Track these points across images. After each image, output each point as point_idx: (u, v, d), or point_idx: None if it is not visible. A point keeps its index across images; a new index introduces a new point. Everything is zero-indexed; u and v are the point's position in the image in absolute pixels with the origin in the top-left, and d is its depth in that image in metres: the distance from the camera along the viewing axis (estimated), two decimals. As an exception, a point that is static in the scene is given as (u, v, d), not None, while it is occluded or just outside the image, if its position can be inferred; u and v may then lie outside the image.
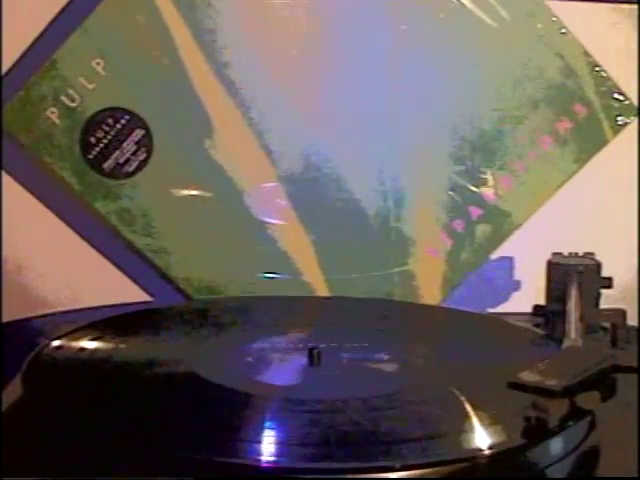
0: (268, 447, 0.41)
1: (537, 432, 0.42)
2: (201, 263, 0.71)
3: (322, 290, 0.73)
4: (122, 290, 0.71)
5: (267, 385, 0.49)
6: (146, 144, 0.70)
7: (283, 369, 0.52)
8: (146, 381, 0.50)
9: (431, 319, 0.64)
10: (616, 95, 0.74)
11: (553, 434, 0.42)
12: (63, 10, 0.69)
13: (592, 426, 0.45)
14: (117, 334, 0.55)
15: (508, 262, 0.75)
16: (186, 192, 0.71)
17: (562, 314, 0.56)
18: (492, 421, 0.44)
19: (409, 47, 0.72)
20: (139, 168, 0.70)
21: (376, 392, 0.48)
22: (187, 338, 0.56)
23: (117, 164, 0.70)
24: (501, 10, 0.72)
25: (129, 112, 0.69)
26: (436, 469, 0.40)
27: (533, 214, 0.75)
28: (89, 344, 0.54)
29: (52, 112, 0.68)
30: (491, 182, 0.74)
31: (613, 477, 0.43)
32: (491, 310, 0.75)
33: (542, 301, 0.62)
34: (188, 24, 0.69)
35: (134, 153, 0.70)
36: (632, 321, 0.60)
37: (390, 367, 0.53)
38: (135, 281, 0.72)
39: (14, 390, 0.47)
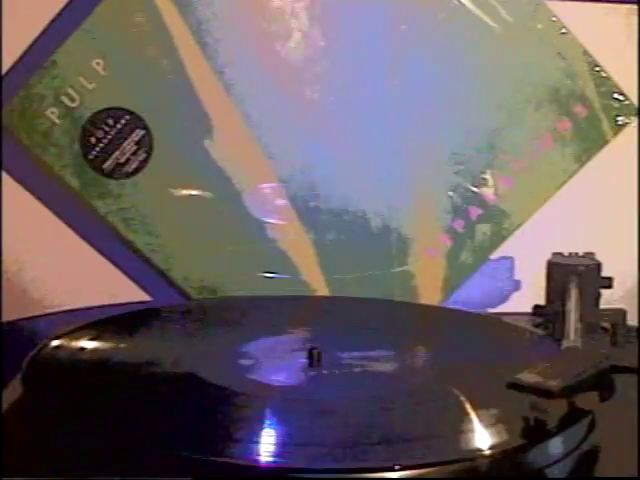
0: (268, 447, 0.41)
1: (536, 432, 0.42)
2: (201, 263, 0.71)
3: (322, 290, 0.73)
4: (122, 290, 0.71)
5: (267, 385, 0.49)
6: (146, 144, 0.70)
7: (283, 369, 0.52)
8: (146, 381, 0.50)
9: (431, 319, 0.64)
10: (616, 95, 0.74)
11: (553, 434, 0.42)
12: (63, 10, 0.69)
13: (592, 426, 0.45)
14: (117, 334, 0.55)
15: (508, 262, 0.75)
16: (186, 192, 0.71)
17: (562, 314, 0.56)
18: (492, 421, 0.44)
19: (409, 47, 0.72)
20: (139, 168, 0.70)
21: (376, 392, 0.48)
22: (187, 338, 0.56)
23: (117, 164, 0.70)
24: (501, 10, 0.72)
25: (129, 112, 0.69)
26: (436, 469, 0.40)
27: (533, 214, 0.75)
28: (89, 344, 0.54)
29: (52, 112, 0.68)
30: (491, 182, 0.74)
31: (613, 477, 0.43)
32: (491, 310, 0.75)
33: (542, 301, 0.62)
34: (188, 24, 0.69)
35: (134, 153, 0.70)
36: (632, 321, 0.60)
37: (390, 367, 0.53)
38: (135, 281, 0.72)
39: (14, 390, 0.47)
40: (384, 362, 0.53)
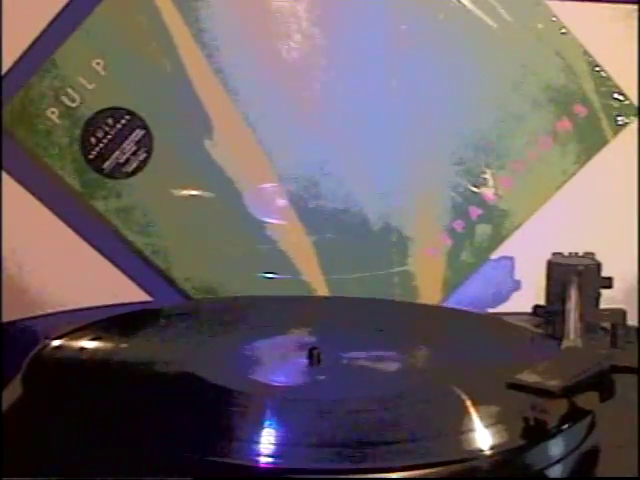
0: (268, 447, 0.41)
1: (537, 432, 0.42)
2: (201, 263, 0.71)
3: (322, 290, 0.73)
4: (122, 290, 0.71)
5: (267, 385, 0.49)
6: (146, 144, 0.70)
7: (283, 369, 0.52)
8: (146, 381, 0.50)
9: (431, 319, 0.64)
10: (616, 95, 0.74)
11: (553, 434, 0.42)
12: (63, 10, 0.69)
13: (592, 426, 0.45)
14: (117, 334, 0.55)
15: (508, 262, 0.75)
16: (186, 192, 0.71)
17: (562, 314, 0.56)
18: (492, 421, 0.44)
19: (409, 47, 0.72)
20: (139, 168, 0.70)
21: (376, 392, 0.48)
22: (187, 338, 0.56)
23: (117, 164, 0.70)
24: (501, 10, 0.72)
25: (129, 112, 0.69)
26: (436, 469, 0.40)
27: (533, 214, 0.75)
28: (89, 344, 0.54)
29: (52, 112, 0.68)
30: (491, 182, 0.74)
31: (613, 477, 0.43)
32: (491, 310, 0.75)
33: (542, 301, 0.62)
34: (188, 24, 0.69)
35: (134, 153, 0.70)
36: (632, 321, 0.60)
37: (390, 367, 0.53)
38: (135, 281, 0.72)
39: (14, 390, 0.47)
40: (384, 362, 0.53)
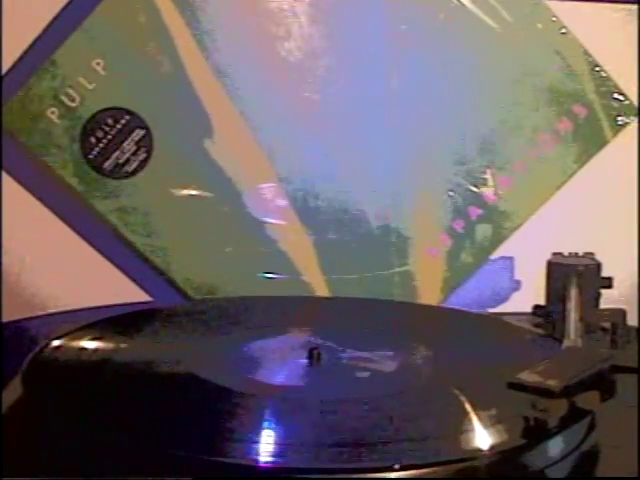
0: (268, 447, 0.41)
1: (537, 432, 0.42)
2: (201, 263, 0.71)
3: (322, 290, 0.73)
4: (122, 290, 0.71)
5: (267, 385, 0.49)
6: (146, 144, 0.70)
7: (283, 369, 0.52)
8: (146, 381, 0.50)
9: (431, 319, 0.64)
10: (616, 95, 0.74)
11: (553, 434, 0.42)
12: (63, 10, 0.69)
13: (592, 426, 0.45)
14: (117, 334, 0.55)
15: (508, 262, 0.75)
16: (186, 192, 0.71)
17: (562, 314, 0.56)
18: (492, 421, 0.44)
19: (409, 47, 0.72)
20: (139, 168, 0.70)
21: (376, 392, 0.48)
22: (187, 338, 0.56)
23: (117, 164, 0.70)
24: (501, 10, 0.72)
25: (129, 112, 0.69)
26: (436, 469, 0.40)
27: (533, 214, 0.75)
28: (89, 344, 0.54)
29: (52, 112, 0.68)
30: (491, 182, 0.74)
31: (613, 477, 0.43)
32: (491, 310, 0.75)
33: (542, 301, 0.62)
34: (188, 24, 0.69)
35: (134, 153, 0.70)
36: (632, 321, 0.60)
37: (390, 367, 0.53)
38: (135, 281, 0.72)
39: (14, 390, 0.47)
40: (384, 362, 0.53)
